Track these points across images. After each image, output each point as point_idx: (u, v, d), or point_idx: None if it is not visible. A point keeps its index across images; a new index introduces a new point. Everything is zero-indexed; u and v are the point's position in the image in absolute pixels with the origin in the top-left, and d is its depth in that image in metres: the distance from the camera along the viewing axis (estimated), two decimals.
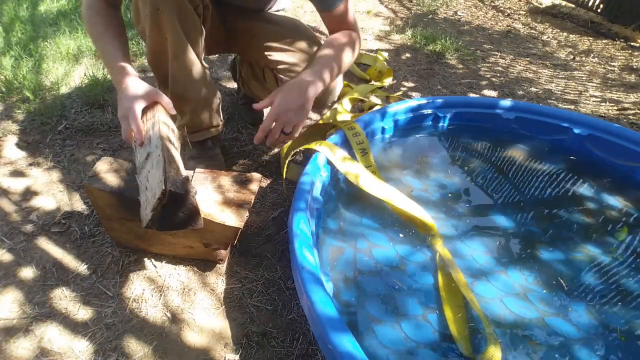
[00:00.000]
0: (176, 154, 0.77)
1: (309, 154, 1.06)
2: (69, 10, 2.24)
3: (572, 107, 1.75)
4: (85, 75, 1.60)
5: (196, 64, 0.97)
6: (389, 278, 0.87)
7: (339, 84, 1.12)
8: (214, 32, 1.09)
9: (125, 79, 0.82)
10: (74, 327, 0.81)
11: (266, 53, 1.09)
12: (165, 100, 0.83)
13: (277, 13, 1.21)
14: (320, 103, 1.11)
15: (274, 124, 0.89)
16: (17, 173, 1.17)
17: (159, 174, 0.68)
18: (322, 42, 1.06)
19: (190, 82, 0.99)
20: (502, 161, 1.25)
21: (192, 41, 0.93)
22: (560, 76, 2.05)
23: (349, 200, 1.07)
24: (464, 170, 1.20)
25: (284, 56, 1.08)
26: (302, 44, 1.09)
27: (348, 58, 0.99)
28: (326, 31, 1.07)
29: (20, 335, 0.79)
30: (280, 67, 1.09)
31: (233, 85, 1.66)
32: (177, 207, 0.69)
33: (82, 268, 0.92)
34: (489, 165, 1.23)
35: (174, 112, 0.85)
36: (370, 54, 2.04)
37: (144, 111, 0.81)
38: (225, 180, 0.90)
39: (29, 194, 1.10)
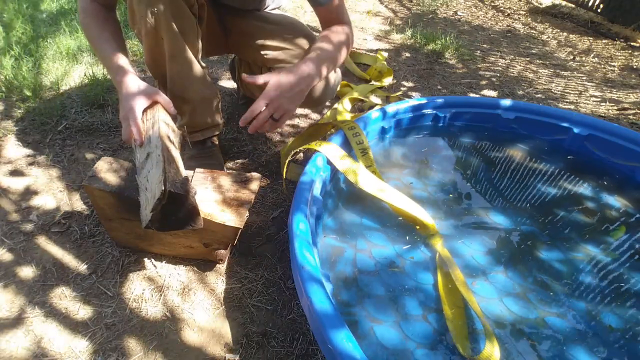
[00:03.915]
0: (176, 153, 0.77)
1: (309, 154, 1.06)
2: (69, 10, 2.24)
3: (572, 107, 1.75)
4: (85, 75, 1.60)
5: (194, 63, 0.97)
6: (389, 278, 0.87)
7: (337, 81, 1.12)
8: (211, 32, 1.09)
9: (125, 80, 0.82)
10: (74, 327, 0.81)
11: (262, 52, 1.09)
12: (165, 99, 0.83)
13: (274, 11, 1.21)
14: (319, 100, 1.11)
15: (265, 108, 0.86)
16: (17, 173, 1.17)
17: (159, 174, 0.68)
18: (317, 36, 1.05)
19: (189, 82, 0.99)
20: (502, 161, 1.25)
21: (188, 41, 0.93)
22: (560, 76, 2.05)
23: (349, 200, 1.07)
24: (464, 170, 1.20)
25: (280, 54, 1.08)
26: (299, 42, 1.09)
27: (343, 53, 0.99)
28: None
29: (20, 335, 0.79)
30: (276, 65, 1.09)
31: (233, 85, 1.66)
32: (176, 207, 0.69)
33: (82, 268, 0.92)
34: (489, 165, 1.23)
35: (174, 111, 0.85)
36: (370, 54, 2.04)
37: (145, 111, 0.81)
38: (225, 180, 0.90)
39: (29, 193, 1.10)
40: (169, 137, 0.77)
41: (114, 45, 0.87)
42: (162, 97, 0.83)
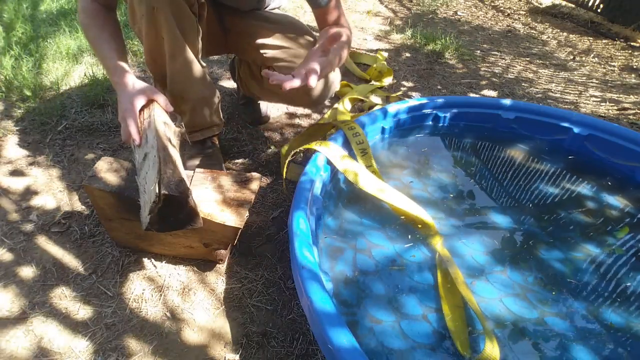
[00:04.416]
0: (174, 152, 0.76)
1: (309, 154, 1.06)
2: (69, 10, 2.24)
3: (572, 107, 1.75)
4: (85, 75, 1.60)
5: (194, 63, 0.97)
6: (389, 278, 0.87)
7: (336, 80, 1.12)
8: (211, 32, 1.09)
9: (122, 80, 0.82)
10: (74, 326, 0.81)
11: (262, 51, 1.09)
12: (162, 97, 0.83)
13: (274, 11, 1.21)
14: (319, 100, 1.11)
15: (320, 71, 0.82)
16: (17, 173, 1.17)
17: (154, 175, 0.68)
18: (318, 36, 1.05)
19: (189, 82, 0.99)
20: (502, 161, 1.25)
21: (188, 40, 0.93)
22: (560, 76, 2.05)
23: (349, 200, 1.07)
24: (464, 170, 1.20)
25: (279, 53, 1.08)
26: (299, 41, 1.09)
27: (344, 53, 0.99)
28: None
29: (20, 335, 0.79)
30: (276, 64, 1.09)
31: (233, 85, 1.66)
32: (173, 208, 0.69)
33: (82, 268, 0.92)
34: (489, 165, 1.23)
35: (171, 109, 0.84)
36: (370, 54, 2.03)
37: (142, 110, 0.81)
38: (225, 180, 0.90)
39: (29, 193, 1.10)
40: (166, 136, 0.77)
41: (113, 45, 0.87)
42: (159, 96, 0.83)
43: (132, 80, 0.82)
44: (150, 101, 0.82)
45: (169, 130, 0.81)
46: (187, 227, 0.72)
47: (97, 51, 0.89)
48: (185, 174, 0.75)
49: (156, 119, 0.78)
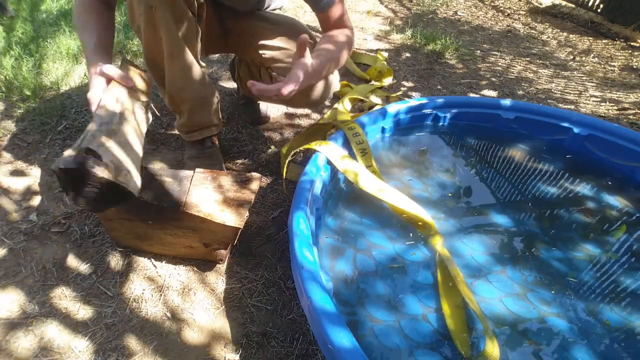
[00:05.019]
0: (122, 128, 0.72)
1: (309, 154, 1.06)
2: (69, 10, 2.24)
3: (572, 107, 1.75)
4: (85, 75, 1.60)
5: (192, 63, 0.96)
6: (389, 278, 0.87)
7: (335, 81, 1.12)
8: (211, 31, 1.09)
9: (91, 70, 0.79)
10: (74, 326, 0.81)
11: (261, 52, 1.09)
12: (117, 73, 0.78)
13: (274, 12, 1.21)
14: (318, 100, 1.11)
15: (300, 82, 0.81)
16: (17, 173, 1.17)
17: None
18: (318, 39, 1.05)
19: (187, 82, 0.98)
20: (502, 161, 1.25)
21: (187, 40, 0.92)
22: (560, 76, 2.05)
23: (349, 200, 1.07)
24: (464, 170, 1.20)
25: (278, 54, 1.08)
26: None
27: (344, 55, 0.99)
28: None
29: (21, 335, 0.79)
30: (274, 65, 1.09)
31: (233, 85, 1.66)
32: (83, 182, 0.64)
33: (82, 268, 0.92)
34: (489, 165, 1.23)
35: (131, 84, 0.80)
36: (370, 54, 2.03)
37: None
38: (225, 180, 0.90)
39: (29, 193, 1.10)
40: (106, 114, 0.73)
41: (94, 39, 0.84)
42: (114, 73, 0.78)
43: (95, 72, 0.78)
44: (109, 81, 0.78)
45: (125, 105, 0.76)
46: (121, 201, 0.69)
47: (81, 42, 0.86)
48: (137, 155, 0.72)
49: (104, 97, 0.74)
